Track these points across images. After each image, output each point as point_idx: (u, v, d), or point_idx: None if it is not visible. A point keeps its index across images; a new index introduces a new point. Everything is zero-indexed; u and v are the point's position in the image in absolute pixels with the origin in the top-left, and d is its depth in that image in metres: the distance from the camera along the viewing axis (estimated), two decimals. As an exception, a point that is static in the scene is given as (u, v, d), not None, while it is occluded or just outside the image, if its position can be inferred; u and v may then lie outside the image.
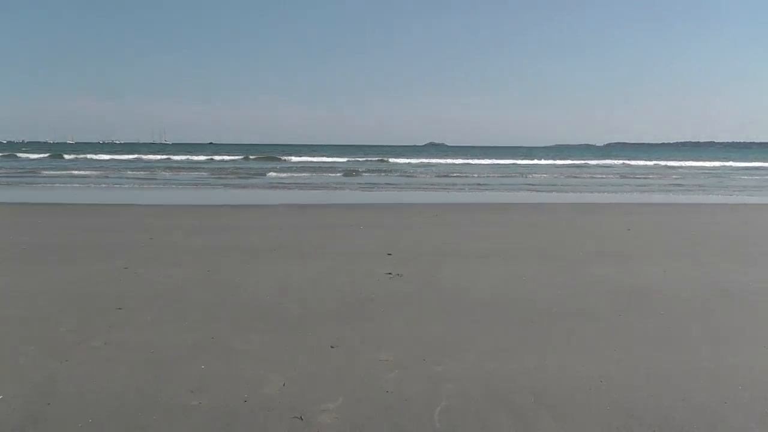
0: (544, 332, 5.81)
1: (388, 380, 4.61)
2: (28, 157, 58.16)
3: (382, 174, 37.44)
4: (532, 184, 28.52)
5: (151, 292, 7.23)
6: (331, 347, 5.34)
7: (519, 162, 56.20)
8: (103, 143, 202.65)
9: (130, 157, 57.66)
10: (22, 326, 6.04)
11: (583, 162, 57.53)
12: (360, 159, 59.12)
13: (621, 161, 57.69)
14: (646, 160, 62.58)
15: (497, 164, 52.25)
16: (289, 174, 38.40)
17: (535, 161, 58.05)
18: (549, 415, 4.07)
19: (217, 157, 58.16)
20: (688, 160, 61.58)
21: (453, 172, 38.85)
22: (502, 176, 34.78)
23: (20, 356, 5.26)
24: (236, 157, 58.75)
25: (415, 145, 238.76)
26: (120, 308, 6.55)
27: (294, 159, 56.62)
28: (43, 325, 6.04)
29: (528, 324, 6.05)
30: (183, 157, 57.69)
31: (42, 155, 60.83)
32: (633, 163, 55.82)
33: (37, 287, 7.54)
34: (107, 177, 33.98)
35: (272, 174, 37.66)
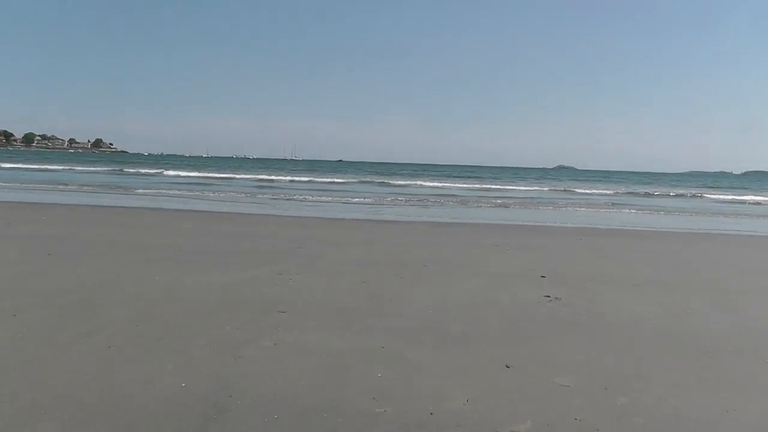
0: (724, 371, 5.32)
1: (574, 407, 4.33)
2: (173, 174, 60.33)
3: (511, 198, 36.68)
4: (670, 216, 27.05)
5: (309, 299, 7.27)
6: (507, 367, 5.11)
7: (652, 191, 53.50)
8: (236, 158, 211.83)
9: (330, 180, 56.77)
10: (189, 322, 6.23)
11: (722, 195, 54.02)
12: (484, 185, 58.07)
13: None
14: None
15: (630, 192, 50.10)
16: (420, 193, 38.46)
17: (680, 191, 54.83)
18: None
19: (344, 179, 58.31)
20: None
21: (588, 200, 37.57)
22: (635, 211, 33.10)
23: (193, 349, 5.38)
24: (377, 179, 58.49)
25: (544, 168, 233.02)
26: (283, 312, 6.62)
27: (421, 183, 56.24)
28: (210, 323, 6.19)
29: (704, 360, 5.57)
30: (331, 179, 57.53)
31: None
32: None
33: (198, 287, 7.79)
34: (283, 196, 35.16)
35: (403, 191, 37.83)
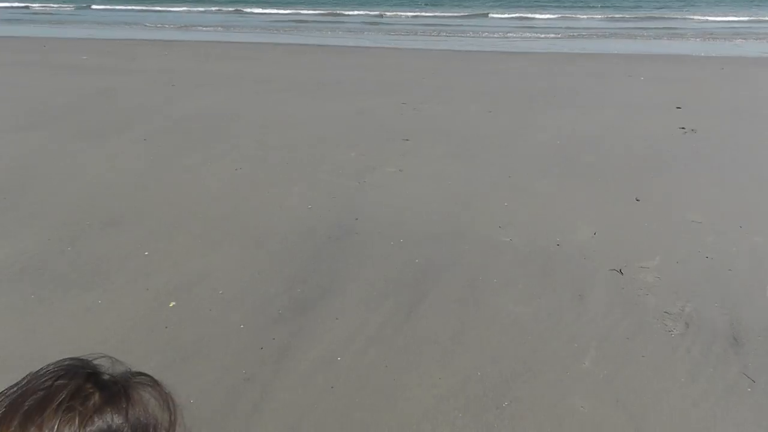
0: None
1: (706, 245, 4.13)
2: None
3: (644, 29, 34.09)
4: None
5: (434, 128, 7.18)
6: (637, 200, 4.91)
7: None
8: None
9: None
10: (313, 148, 6.33)
11: None
12: (614, 15, 54.02)
13: None
14: None
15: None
16: (546, 25, 36.44)
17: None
18: None
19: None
20: None
21: (732, 27, 34.39)
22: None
23: (319, 174, 5.51)
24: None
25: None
26: (407, 140, 6.59)
27: (548, 15, 52.91)
28: (334, 149, 6.27)
29: None
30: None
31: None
32: None
33: (320, 116, 7.82)
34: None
35: (530, 24, 35.89)
